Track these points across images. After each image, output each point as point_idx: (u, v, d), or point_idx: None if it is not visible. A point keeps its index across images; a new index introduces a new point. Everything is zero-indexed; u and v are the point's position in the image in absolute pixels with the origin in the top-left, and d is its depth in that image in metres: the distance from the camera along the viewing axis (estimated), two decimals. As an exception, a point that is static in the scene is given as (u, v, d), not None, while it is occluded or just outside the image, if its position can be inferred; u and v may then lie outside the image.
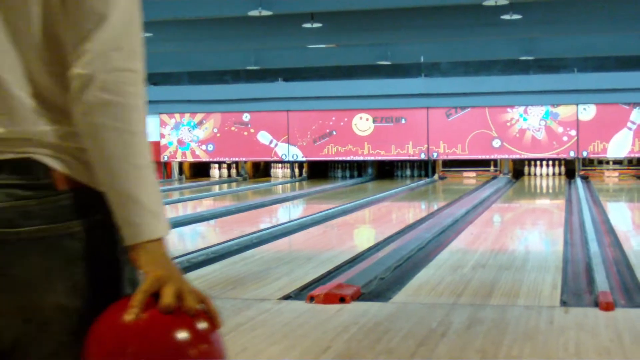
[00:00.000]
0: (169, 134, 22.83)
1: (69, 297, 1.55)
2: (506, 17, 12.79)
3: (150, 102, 22.79)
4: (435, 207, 14.55)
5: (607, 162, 21.54)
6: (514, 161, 21.84)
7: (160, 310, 1.49)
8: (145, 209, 1.53)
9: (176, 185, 21.64)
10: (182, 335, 1.49)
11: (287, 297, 6.29)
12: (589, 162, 21.43)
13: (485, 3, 11.22)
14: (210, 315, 1.55)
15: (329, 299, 5.97)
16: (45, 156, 1.54)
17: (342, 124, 21.73)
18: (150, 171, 1.56)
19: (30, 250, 1.52)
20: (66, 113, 1.55)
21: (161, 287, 1.51)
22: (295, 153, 22.08)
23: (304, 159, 22.30)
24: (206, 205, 16.15)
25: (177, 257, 8.15)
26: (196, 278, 7.27)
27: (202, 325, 1.52)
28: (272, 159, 22.58)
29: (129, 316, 1.47)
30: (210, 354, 1.51)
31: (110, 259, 1.59)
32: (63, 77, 1.55)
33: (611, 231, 10.21)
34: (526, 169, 21.92)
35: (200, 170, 23.93)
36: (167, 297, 1.50)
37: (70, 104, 1.54)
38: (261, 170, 23.76)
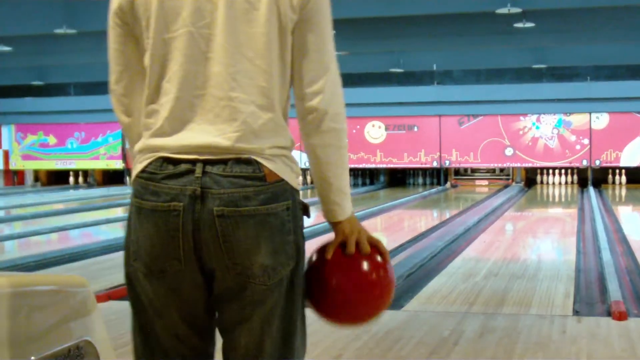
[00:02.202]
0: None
1: (270, 258, 2.13)
2: (519, 25, 12.75)
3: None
4: (448, 215, 14.54)
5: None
6: (527, 169, 21.80)
7: (346, 254, 2.27)
8: (348, 196, 2.30)
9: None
10: (362, 268, 2.28)
11: (298, 305, 6.28)
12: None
13: (498, 11, 11.20)
14: (381, 253, 2.30)
15: (340, 306, 5.96)
16: (260, 158, 2.12)
17: (354, 131, 21.74)
18: (348, 171, 2.32)
19: (246, 224, 2.09)
20: (279, 130, 2.17)
21: (346, 240, 2.27)
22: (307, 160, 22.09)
23: (316, 167, 22.28)
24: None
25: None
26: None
27: (375, 260, 2.29)
28: (284, 167, 22.59)
29: (328, 256, 2.27)
30: (383, 277, 2.31)
31: (294, 231, 2.19)
32: (280, 105, 2.18)
33: (624, 240, 10.17)
34: (539, 177, 21.87)
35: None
36: (349, 246, 2.26)
37: (305, 127, 2.23)
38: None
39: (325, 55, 2.18)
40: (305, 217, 2.30)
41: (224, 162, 2.10)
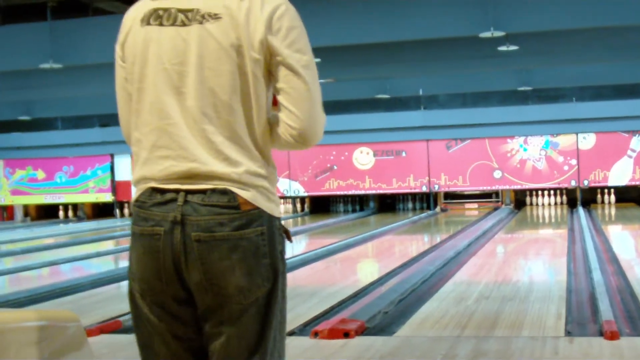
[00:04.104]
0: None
1: (244, 279, 2.30)
2: (503, 48, 12.82)
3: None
4: (438, 240, 14.54)
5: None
6: (516, 191, 21.84)
7: None
8: None
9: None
10: None
11: (291, 334, 6.28)
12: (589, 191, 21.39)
13: (481, 35, 11.26)
14: None
15: (333, 334, 5.96)
16: (235, 187, 2.32)
17: (342, 158, 21.78)
18: None
19: (220, 248, 2.29)
20: (251, 159, 2.36)
21: None
22: (297, 188, 22.11)
23: (305, 194, 22.32)
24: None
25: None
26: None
27: None
28: (273, 195, 22.55)
29: None
30: None
31: (269, 254, 2.34)
32: (251, 136, 2.38)
33: (614, 260, 10.20)
34: (528, 199, 21.90)
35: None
36: None
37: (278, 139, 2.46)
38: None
39: (296, 88, 2.37)
40: (287, 242, 2.45)
41: (204, 192, 2.32)
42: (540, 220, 18.89)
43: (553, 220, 18.79)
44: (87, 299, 8.63)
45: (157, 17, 2.40)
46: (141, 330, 2.45)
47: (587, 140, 20.66)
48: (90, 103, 20.02)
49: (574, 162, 20.72)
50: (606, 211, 20.15)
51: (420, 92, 19.74)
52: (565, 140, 20.77)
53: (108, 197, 23.46)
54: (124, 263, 12.85)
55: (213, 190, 2.32)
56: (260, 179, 2.37)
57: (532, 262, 11.10)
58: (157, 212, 2.35)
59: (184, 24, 2.36)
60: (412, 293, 8.12)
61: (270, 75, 2.38)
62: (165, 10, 2.39)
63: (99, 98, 19.38)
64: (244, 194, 2.32)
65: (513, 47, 12.84)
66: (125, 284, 10.44)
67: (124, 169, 23.10)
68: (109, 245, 15.98)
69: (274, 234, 2.38)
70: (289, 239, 2.45)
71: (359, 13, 11.38)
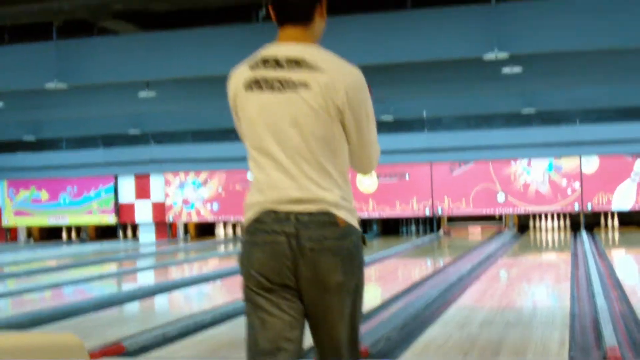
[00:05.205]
0: (173, 194, 22.89)
1: (342, 276, 3.03)
2: (507, 70, 12.84)
3: (155, 161, 22.83)
4: (441, 264, 14.52)
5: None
6: (519, 215, 21.81)
7: None
8: None
9: (181, 245, 21.61)
10: None
11: (294, 358, 6.24)
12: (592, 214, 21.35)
13: (485, 57, 11.27)
14: None
15: (336, 359, 5.92)
16: (333, 208, 3.04)
17: (346, 180, 21.74)
18: None
19: (327, 253, 3.01)
20: (338, 188, 3.06)
21: None
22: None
23: (308, 216, 22.25)
24: (212, 265, 16.13)
25: (183, 319, 8.11)
26: (203, 339, 7.23)
27: None
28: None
29: None
30: None
31: (357, 257, 3.09)
32: (337, 171, 3.08)
33: (618, 285, 10.17)
34: (531, 222, 21.87)
35: (205, 229, 23.88)
36: None
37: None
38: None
39: (362, 139, 3.14)
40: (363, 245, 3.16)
41: (310, 213, 3.04)
42: (544, 245, 18.85)
43: (556, 244, 18.75)
44: (90, 322, 8.61)
45: (258, 85, 3.11)
46: (254, 314, 3.11)
47: (591, 163, 20.64)
48: (94, 123, 20.05)
49: (577, 185, 20.71)
50: (609, 235, 20.12)
51: (424, 114, 19.75)
52: (569, 163, 20.76)
53: (111, 219, 23.47)
54: (127, 286, 12.85)
55: (318, 212, 3.04)
56: (347, 202, 3.10)
57: (536, 287, 11.07)
58: (276, 227, 3.05)
59: (280, 91, 3.07)
60: (415, 318, 8.08)
61: (344, 127, 3.10)
62: (265, 79, 3.10)
63: (103, 118, 19.41)
64: (340, 214, 3.06)
65: (517, 69, 12.86)
66: (127, 306, 10.43)
67: (128, 190, 23.12)
68: (111, 267, 15.97)
69: (359, 241, 3.13)
70: (365, 243, 3.16)
71: (361, 34, 11.40)
